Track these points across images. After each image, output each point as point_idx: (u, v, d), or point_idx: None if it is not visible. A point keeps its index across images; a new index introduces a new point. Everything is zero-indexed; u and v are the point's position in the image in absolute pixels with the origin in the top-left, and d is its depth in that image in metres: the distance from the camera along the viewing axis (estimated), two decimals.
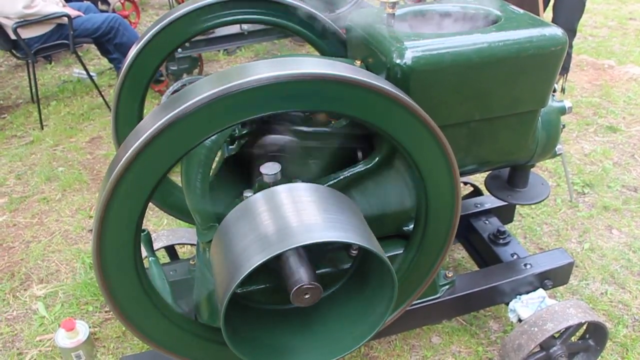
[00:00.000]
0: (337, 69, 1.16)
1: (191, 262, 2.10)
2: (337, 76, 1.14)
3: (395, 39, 1.52)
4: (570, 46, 4.11)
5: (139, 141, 1.15)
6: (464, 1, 1.91)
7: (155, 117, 1.18)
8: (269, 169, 1.41)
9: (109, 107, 4.48)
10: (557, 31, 1.68)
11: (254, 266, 1.10)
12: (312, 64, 1.18)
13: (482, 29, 1.64)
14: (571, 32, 3.99)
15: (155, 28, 1.79)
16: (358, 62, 1.65)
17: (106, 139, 4.05)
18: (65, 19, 4.04)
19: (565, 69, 4.20)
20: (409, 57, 1.46)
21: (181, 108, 1.12)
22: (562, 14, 3.90)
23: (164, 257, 2.59)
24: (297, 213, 1.18)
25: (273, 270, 1.32)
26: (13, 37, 3.97)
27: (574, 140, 3.85)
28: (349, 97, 1.19)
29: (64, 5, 4.24)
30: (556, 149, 2.06)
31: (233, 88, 1.10)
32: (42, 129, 4.28)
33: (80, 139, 4.10)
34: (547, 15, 4.34)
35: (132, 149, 1.16)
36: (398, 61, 1.47)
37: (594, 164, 3.56)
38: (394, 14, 1.61)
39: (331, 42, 1.91)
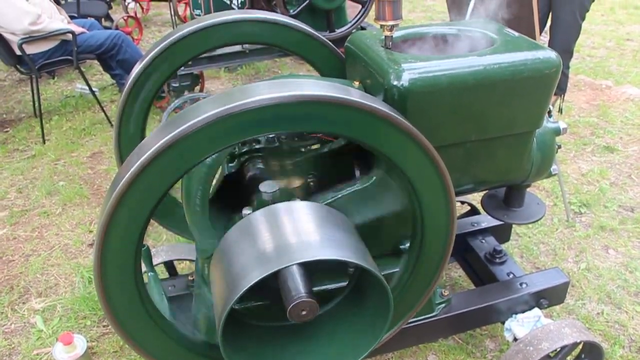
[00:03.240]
0: (336, 91, 1.19)
1: (190, 277, 2.11)
2: (336, 98, 1.17)
3: (393, 61, 1.56)
4: (567, 67, 4.16)
5: (142, 159, 1.18)
6: (460, 24, 1.95)
7: (157, 135, 1.21)
8: (268, 187, 1.44)
9: (110, 122, 4.52)
10: (551, 54, 1.72)
11: (252, 283, 1.12)
12: (311, 86, 1.21)
13: (478, 52, 1.67)
14: (568, 53, 4.04)
15: (159, 47, 1.83)
16: (356, 83, 1.69)
17: (107, 154, 4.08)
18: (70, 35, 4.09)
19: (562, 90, 4.24)
20: (406, 79, 1.49)
21: (183, 127, 1.15)
22: (559, 35, 3.95)
23: (162, 272, 2.61)
24: (295, 231, 1.21)
25: (271, 286, 1.34)
26: (18, 52, 4.02)
27: (571, 159, 3.88)
28: (347, 118, 1.22)
29: (68, 22, 4.30)
30: (551, 169, 2.09)
31: (234, 109, 1.13)
32: (44, 143, 4.31)
33: (82, 153, 4.13)
34: (544, 36, 4.40)
35: (134, 166, 1.19)
36: (395, 83, 1.50)
37: (591, 184, 3.58)
38: (392, 36, 1.65)
39: (330, 63, 1.95)
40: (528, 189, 2.18)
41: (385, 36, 1.65)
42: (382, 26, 1.63)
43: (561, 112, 4.41)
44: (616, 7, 7.80)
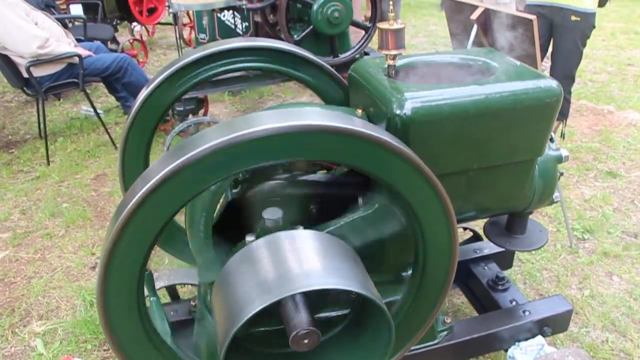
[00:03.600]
0: (340, 120, 1.21)
1: (192, 302, 2.11)
2: (339, 128, 1.19)
3: (396, 89, 1.58)
4: (569, 92, 4.18)
5: (147, 186, 1.18)
6: (462, 52, 1.97)
7: (163, 163, 1.22)
8: (271, 214, 1.44)
9: (114, 144, 4.55)
10: (552, 83, 1.74)
11: (254, 312, 1.12)
12: (314, 115, 1.23)
13: (479, 81, 1.69)
14: (569, 79, 4.07)
15: (165, 73, 1.85)
16: (359, 111, 1.71)
17: (111, 177, 4.10)
18: (77, 58, 4.14)
19: (564, 115, 4.26)
20: (408, 108, 1.51)
21: (189, 155, 1.16)
22: (560, 61, 3.99)
23: (164, 296, 2.60)
24: (298, 260, 1.21)
25: (273, 314, 1.34)
26: (25, 75, 4.07)
27: (573, 185, 3.88)
28: (350, 148, 1.23)
29: (75, 45, 4.36)
30: (554, 196, 2.09)
31: (238, 138, 1.14)
32: (49, 164, 4.34)
33: (85, 175, 4.15)
34: (546, 62, 4.43)
35: (139, 193, 1.19)
36: (398, 112, 1.52)
37: (594, 210, 3.58)
38: (394, 64, 1.67)
39: (333, 90, 1.97)
40: (530, 216, 2.18)
41: (388, 65, 1.67)
42: (385, 55, 1.65)
43: (563, 138, 4.43)
44: (617, 33, 7.88)
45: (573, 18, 3.80)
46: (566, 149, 4.18)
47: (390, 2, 1.80)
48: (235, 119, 1.23)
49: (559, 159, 2.04)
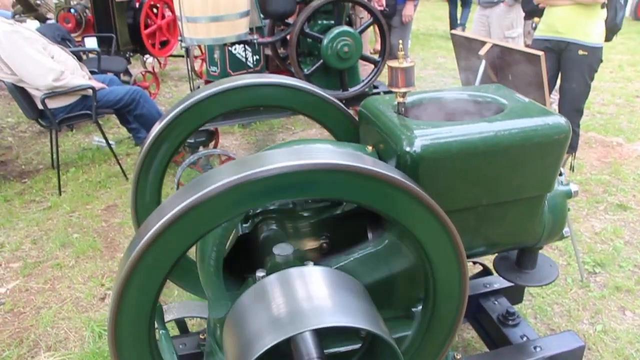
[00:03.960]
0: (350, 159, 1.23)
1: (201, 336, 2.11)
2: (350, 167, 1.21)
3: (405, 127, 1.60)
4: (578, 125, 4.20)
5: (161, 222, 1.20)
6: (471, 89, 2.00)
7: (178, 198, 1.24)
8: (282, 249, 1.46)
9: (125, 175, 4.60)
10: (561, 120, 1.75)
11: (265, 348, 1.13)
12: (325, 153, 1.25)
13: (488, 118, 1.71)
14: (578, 112, 4.09)
15: (179, 108, 1.89)
16: (370, 148, 1.73)
17: (121, 207, 4.13)
18: (90, 91, 4.22)
19: (573, 148, 4.27)
20: (418, 145, 1.53)
21: (202, 192, 1.19)
22: (569, 95, 4.02)
23: (172, 328, 2.60)
24: (309, 297, 1.22)
25: (284, 350, 1.34)
26: (40, 107, 4.14)
27: (583, 218, 3.86)
28: (360, 186, 1.25)
29: (89, 78, 4.44)
30: (564, 231, 2.09)
31: (251, 176, 1.17)
32: (60, 194, 4.38)
33: (96, 206, 4.18)
34: (555, 95, 4.46)
35: (153, 229, 1.21)
36: (408, 149, 1.54)
37: (605, 243, 3.56)
38: (404, 102, 1.70)
39: (343, 126, 2.00)
40: (540, 250, 2.18)
41: (398, 102, 1.70)
42: (395, 92, 1.68)
43: (573, 170, 4.42)
44: (624, 65, 7.92)
45: (580, 52, 3.84)
46: (576, 181, 4.20)
47: (400, 41, 1.83)
48: (248, 157, 1.26)
49: (569, 194, 2.05)
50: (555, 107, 4.47)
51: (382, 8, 5.39)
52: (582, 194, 4.13)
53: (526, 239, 1.96)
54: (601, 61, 3.97)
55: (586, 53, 3.84)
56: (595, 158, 4.81)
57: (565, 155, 1.85)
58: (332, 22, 3.83)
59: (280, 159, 1.20)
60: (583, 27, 3.80)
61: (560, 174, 2.05)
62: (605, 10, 3.80)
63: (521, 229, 1.89)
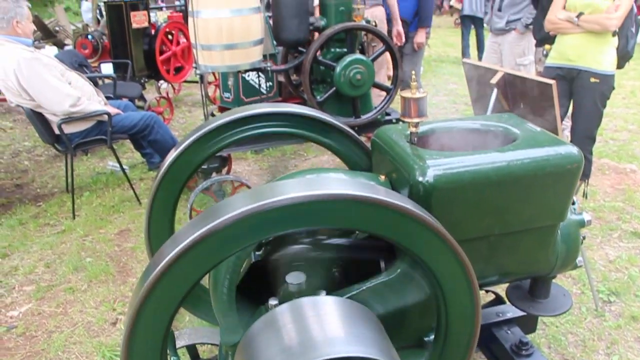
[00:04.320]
0: (363, 189, 1.24)
1: None
2: (363, 197, 1.22)
3: (418, 157, 1.62)
4: (590, 152, 4.18)
5: (176, 250, 1.22)
6: (483, 118, 2.02)
7: (192, 227, 1.26)
8: (295, 278, 1.47)
9: (139, 200, 4.64)
10: (573, 150, 1.76)
11: None
12: (338, 184, 1.26)
13: (501, 148, 1.73)
14: (590, 139, 4.08)
15: (194, 136, 1.92)
16: (382, 177, 1.74)
17: (134, 232, 4.16)
18: (106, 116, 4.29)
19: (586, 175, 4.25)
20: (430, 175, 1.54)
21: (217, 222, 1.20)
22: (581, 123, 4.01)
23: (184, 354, 2.59)
24: (321, 327, 1.23)
25: None
26: (57, 131, 4.21)
27: (597, 245, 3.83)
28: (373, 216, 1.26)
29: (105, 104, 4.51)
30: (577, 261, 2.08)
31: (265, 206, 1.18)
32: (74, 218, 4.42)
33: (110, 230, 4.22)
34: (567, 122, 4.46)
35: (168, 257, 1.23)
36: (420, 179, 1.55)
37: (620, 271, 3.52)
38: (417, 132, 1.72)
39: (356, 155, 2.02)
40: (554, 279, 2.16)
41: (411, 132, 1.72)
42: (407, 122, 1.70)
43: (586, 197, 4.40)
44: (637, 90, 7.91)
45: (592, 80, 3.85)
46: (589, 208, 4.18)
47: (413, 72, 1.86)
48: (263, 186, 1.28)
49: (582, 224, 2.04)
50: (567, 133, 4.47)
51: (401, 44, 5.47)
52: (595, 221, 4.10)
53: (539, 268, 1.95)
54: (613, 88, 3.97)
55: (598, 80, 3.84)
56: (609, 185, 4.78)
57: (577, 183, 1.85)
58: (345, 50, 3.87)
59: (294, 189, 1.21)
60: (594, 54, 3.82)
61: (573, 203, 2.05)
62: (616, 38, 3.82)
63: (534, 258, 1.89)
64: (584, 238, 2.09)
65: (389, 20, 5.36)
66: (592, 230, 3.95)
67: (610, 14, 3.63)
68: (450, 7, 10.82)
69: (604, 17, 3.65)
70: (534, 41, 4.85)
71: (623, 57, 3.93)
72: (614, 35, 3.78)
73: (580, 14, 3.75)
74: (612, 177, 4.93)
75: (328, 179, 1.28)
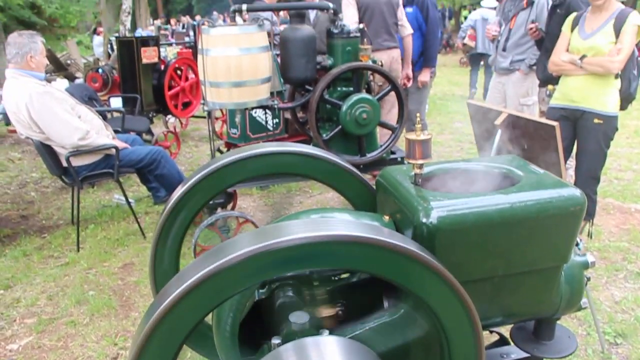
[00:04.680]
0: (368, 230, 1.26)
1: None
2: (367, 239, 1.24)
3: (422, 198, 1.64)
4: (595, 192, 4.19)
5: (181, 288, 1.23)
6: (487, 160, 2.04)
7: (197, 266, 1.27)
8: (298, 317, 1.47)
9: (143, 234, 4.65)
10: (576, 192, 1.78)
11: None
12: (342, 224, 1.28)
13: (504, 190, 1.74)
14: (594, 179, 4.10)
15: (200, 174, 1.95)
16: (387, 218, 1.76)
17: (138, 266, 4.16)
18: (114, 150, 4.34)
19: (591, 215, 4.25)
20: (434, 216, 1.56)
21: (222, 261, 1.22)
22: (585, 163, 4.03)
23: None
24: None
25: None
26: (65, 164, 4.26)
27: (603, 286, 3.80)
28: (377, 257, 1.28)
29: (113, 137, 4.57)
30: (581, 302, 2.07)
31: (270, 246, 1.20)
32: (78, 251, 4.43)
33: (113, 264, 4.22)
34: (571, 162, 4.48)
35: (172, 295, 1.24)
36: (424, 220, 1.57)
37: (626, 313, 3.48)
38: (421, 173, 1.74)
39: (361, 195, 2.04)
40: (558, 320, 2.15)
41: (415, 173, 1.74)
42: (412, 164, 1.73)
43: (591, 237, 4.39)
44: None
45: (596, 121, 3.89)
46: (594, 248, 4.16)
47: (418, 114, 1.90)
48: (268, 227, 1.30)
49: (586, 265, 2.05)
50: (571, 173, 4.48)
51: (407, 86, 5.57)
52: (601, 261, 4.08)
53: (543, 309, 1.95)
54: (617, 129, 4.01)
55: (601, 121, 3.88)
56: (614, 225, 4.77)
57: (581, 225, 1.86)
58: (351, 89, 3.93)
59: (299, 230, 1.23)
60: (597, 96, 3.86)
61: (577, 244, 2.06)
62: (619, 80, 3.87)
63: (537, 299, 1.89)
64: (588, 279, 2.09)
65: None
66: (597, 270, 3.92)
67: (613, 57, 3.69)
68: (464, 44, 11.19)
69: (606, 60, 3.71)
70: (537, 82, 4.91)
71: (626, 99, 3.98)
72: (616, 77, 3.83)
73: (583, 56, 3.81)
74: (616, 217, 4.93)
75: (332, 220, 1.30)
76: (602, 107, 3.87)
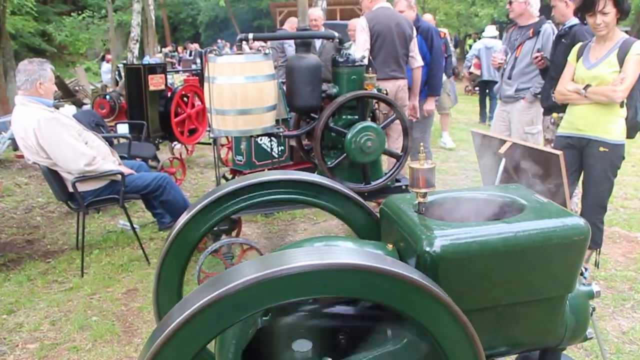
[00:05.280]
0: (371, 259, 1.27)
1: None
2: (370, 267, 1.24)
3: (426, 227, 1.64)
4: (601, 221, 4.17)
5: (183, 315, 1.23)
6: (491, 189, 2.05)
7: (201, 293, 1.28)
8: (301, 345, 1.47)
9: (147, 260, 4.65)
10: (580, 221, 1.78)
11: None
12: (345, 253, 1.29)
13: (508, 219, 1.75)
14: (601, 208, 4.07)
15: (205, 201, 1.96)
16: (390, 246, 1.76)
17: (142, 292, 4.15)
18: (120, 176, 4.37)
19: (597, 244, 4.22)
20: (438, 245, 1.56)
21: (225, 288, 1.22)
22: (591, 191, 4.02)
23: None
24: None
25: None
26: (71, 189, 4.29)
27: (610, 316, 3.76)
28: (380, 286, 1.28)
29: (119, 163, 4.60)
30: (587, 333, 2.06)
31: (273, 274, 1.21)
32: (82, 276, 4.42)
33: (117, 289, 4.21)
34: (578, 190, 4.46)
35: (175, 322, 1.24)
36: (427, 249, 1.57)
37: (634, 343, 3.44)
38: (425, 202, 1.75)
39: (365, 223, 2.05)
40: (564, 350, 2.13)
41: (419, 202, 1.75)
42: (415, 193, 1.74)
43: (597, 267, 4.35)
44: None
45: (601, 149, 3.89)
46: (600, 277, 4.13)
47: (421, 143, 1.91)
48: (272, 255, 1.30)
49: (591, 295, 2.04)
50: (576, 200, 4.47)
51: (414, 119, 5.62)
52: (607, 290, 4.04)
53: (547, 339, 1.93)
54: (623, 158, 4.00)
55: (607, 150, 3.88)
56: (620, 254, 4.74)
57: (585, 255, 1.86)
58: (356, 117, 3.96)
59: (302, 258, 1.24)
60: (603, 124, 3.87)
61: (582, 274, 2.05)
62: (624, 108, 3.88)
63: (542, 329, 1.87)
64: (593, 309, 2.08)
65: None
66: (604, 300, 3.89)
67: (616, 86, 3.71)
68: (470, 73, 11.43)
69: (609, 90, 3.73)
70: (542, 110, 4.94)
71: (633, 127, 3.98)
72: (622, 106, 3.85)
73: (588, 86, 3.83)
74: (623, 246, 4.89)
75: (336, 249, 1.30)
76: (607, 135, 3.87)
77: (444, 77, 8.23)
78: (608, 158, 3.91)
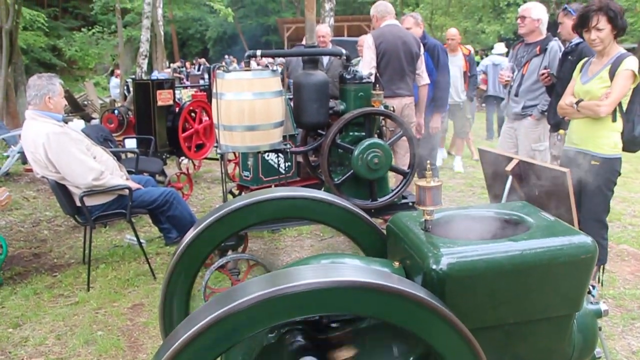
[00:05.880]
0: (377, 277, 1.27)
1: None
2: (377, 285, 1.25)
3: (432, 244, 1.65)
4: (604, 238, 4.12)
5: (190, 332, 1.24)
6: (497, 206, 2.05)
7: (207, 310, 1.28)
8: None
9: (154, 274, 4.65)
10: (587, 239, 1.77)
11: None
12: (352, 271, 1.29)
13: (514, 237, 1.75)
14: (600, 223, 4.03)
15: (212, 217, 1.98)
16: (397, 264, 1.76)
17: (147, 307, 4.14)
18: (127, 191, 4.39)
19: (602, 261, 4.19)
20: (444, 263, 1.56)
21: (232, 305, 1.23)
22: (586, 204, 3.96)
23: None
24: None
25: None
26: (78, 204, 4.31)
27: (619, 335, 3.72)
28: (387, 303, 1.28)
29: (127, 178, 4.63)
30: (595, 352, 2.04)
31: (280, 292, 1.21)
32: (88, 290, 4.43)
33: (123, 304, 4.21)
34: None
35: (182, 339, 1.25)
36: (434, 267, 1.57)
37: None
38: (431, 219, 1.75)
39: (372, 240, 2.05)
40: None
41: (425, 220, 1.75)
42: (422, 210, 1.74)
43: (602, 285, 4.32)
44: None
45: (592, 162, 3.89)
46: (609, 295, 4.09)
47: (428, 161, 1.92)
48: (278, 272, 1.31)
49: (598, 314, 2.03)
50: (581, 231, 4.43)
51: (418, 136, 5.63)
52: (616, 309, 4.00)
53: (555, 358, 1.92)
54: (619, 173, 3.97)
55: (597, 163, 3.87)
56: (629, 272, 4.69)
57: (592, 273, 1.85)
58: (363, 133, 3.97)
59: (309, 276, 1.24)
60: (593, 139, 3.88)
61: (590, 292, 2.04)
62: (618, 123, 3.87)
63: (549, 348, 1.86)
64: (600, 329, 2.06)
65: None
66: (612, 319, 3.85)
67: (602, 100, 3.73)
68: (477, 88, 11.52)
69: (594, 104, 3.77)
70: (549, 127, 4.94)
71: (631, 141, 3.96)
72: (614, 120, 3.85)
73: (580, 100, 3.86)
74: (631, 264, 4.85)
75: (342, 266, 1.31)
76: (597, 149, 3.87)
77: (464, 97, 8.21)
78: (599, 172, 3.89)
